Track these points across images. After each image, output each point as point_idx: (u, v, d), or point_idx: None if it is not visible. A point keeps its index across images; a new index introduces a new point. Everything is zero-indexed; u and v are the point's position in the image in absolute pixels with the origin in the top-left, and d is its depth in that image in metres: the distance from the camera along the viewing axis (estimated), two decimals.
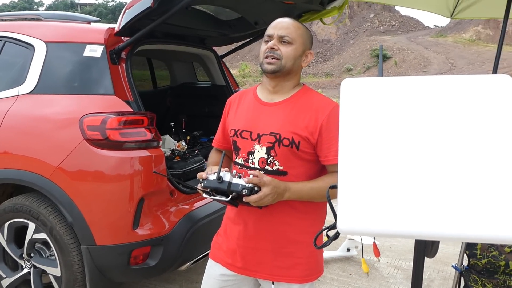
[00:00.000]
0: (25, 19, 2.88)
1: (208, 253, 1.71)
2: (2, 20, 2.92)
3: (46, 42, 2.48)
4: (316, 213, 1.56)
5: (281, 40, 1.46)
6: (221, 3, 2.71)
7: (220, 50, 3.58)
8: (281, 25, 1.48)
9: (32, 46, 2.50)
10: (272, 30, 1.48)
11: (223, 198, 1.36)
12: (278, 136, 1.45)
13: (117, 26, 2.35)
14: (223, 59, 3.55)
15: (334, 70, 30.98)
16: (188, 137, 3.29)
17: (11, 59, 2.64)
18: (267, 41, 1.48)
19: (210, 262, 1.64)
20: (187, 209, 2.41)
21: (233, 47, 3.60)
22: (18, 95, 2.43)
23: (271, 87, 1.53)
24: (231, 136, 1.58)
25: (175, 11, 2.17)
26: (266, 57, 1.46)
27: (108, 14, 59.51)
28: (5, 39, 2.64)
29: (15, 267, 2.50)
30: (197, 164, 2.86)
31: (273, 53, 1.45)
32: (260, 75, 26.77)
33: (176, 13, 2.19)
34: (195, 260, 2.44)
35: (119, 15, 2.32)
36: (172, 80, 4.18)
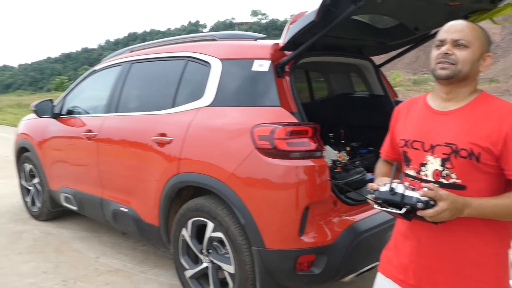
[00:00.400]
0: (203, 40, 3.24)
1: (372, 267, 1.68)
2: (184, 42, 3.33)
3: (221, 60, 2.75)
4: (501, 233, 1.41)
5: (456, 44, 1.37)
6: (382, 12, 2.65)
7: (376, 59, 3.49)
8: (454, 28, 1.39)
9: (209, 63, 2.79)
10: (445, 34, 1.40)
11: (396, 211, 1.32)
12: (454, 147, 1.36)
13: (281, 41, 2.48)
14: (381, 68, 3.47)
15: (500, 75, 26.98)
16: (348, 148, 3.28)
17: (192, 76, 2.97)
18: (438, 46, 1.41)
19: (380, 276, 1.61)
20: (351, 221, 2.39)
21: (391, 56, 3.48)
22: (199, 108, 2.75)
23: (444, 94, 1.44)
24: (400, 147, 1.53)
25: (336, 23, 2.20)
26: (439, 63, 1.39)
27: (262, 31, 63.67)
28: (188, 59, 3.00)
29: (196, 260, 2.79)
30: (359, 175, 2.83)
31: (447, 59, 1.37)
32: (413, 84, 25.23)
33: (337, 25, 2.22)
34: (359, 272, 2.40)
35: (271, 31, 2.45)
36: (329, 91, 4.22)
